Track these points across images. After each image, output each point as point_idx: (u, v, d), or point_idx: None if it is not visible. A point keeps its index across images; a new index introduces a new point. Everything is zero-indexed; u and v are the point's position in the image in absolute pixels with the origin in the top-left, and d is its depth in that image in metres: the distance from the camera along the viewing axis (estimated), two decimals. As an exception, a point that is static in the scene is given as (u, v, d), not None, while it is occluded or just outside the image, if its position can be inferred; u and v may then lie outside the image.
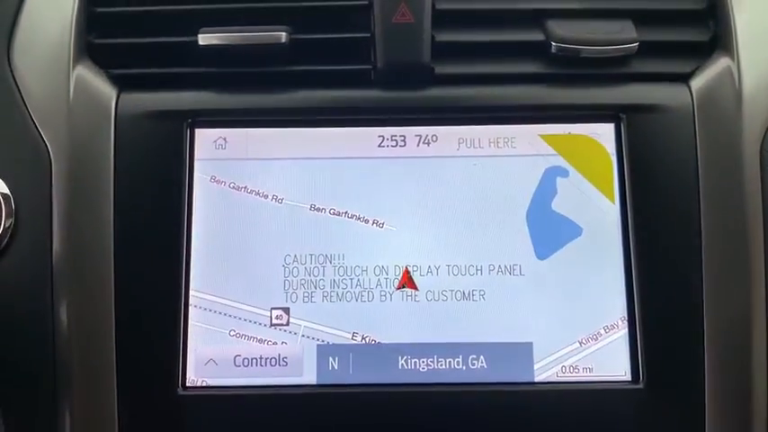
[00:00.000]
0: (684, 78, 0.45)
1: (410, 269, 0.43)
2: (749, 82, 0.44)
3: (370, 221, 0.44)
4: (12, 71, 0.45)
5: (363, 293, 0.43)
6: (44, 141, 0.43)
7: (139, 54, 0.45)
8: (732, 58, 0.45)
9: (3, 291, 0.42)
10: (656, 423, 0.41)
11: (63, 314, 0.42)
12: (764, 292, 0.41)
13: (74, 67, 0.45)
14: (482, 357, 0.42)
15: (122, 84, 0.45)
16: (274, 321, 0.43)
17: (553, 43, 0.44)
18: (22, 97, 0.44)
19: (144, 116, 0.44)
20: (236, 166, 0.44)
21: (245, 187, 0.44)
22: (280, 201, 0.44)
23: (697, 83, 0.45)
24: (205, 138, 0.44)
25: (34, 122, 0.44)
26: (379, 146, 0.44)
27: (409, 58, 0.44)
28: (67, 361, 0.41)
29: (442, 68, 0.45)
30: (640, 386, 0.41)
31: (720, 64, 0.45)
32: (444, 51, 0.45)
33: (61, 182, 0.43)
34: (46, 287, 0.42)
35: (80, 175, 0.43)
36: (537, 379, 0.42)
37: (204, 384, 0.42)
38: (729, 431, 0.41)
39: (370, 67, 0.45)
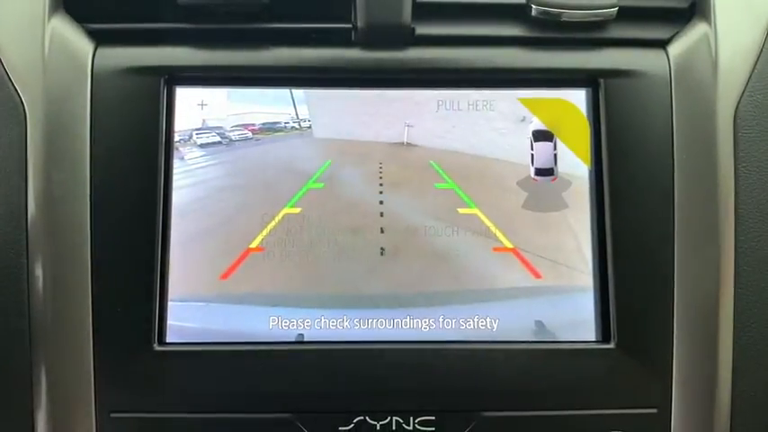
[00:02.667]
0: (662, 44, 0.45)
1: (385, 228, 0.43)
2: (725, 49, 0.44)
3: None
4: None
5: (339, 252, 0.43)
6: (19, 96, 0.43)
7: (117, 8, 0.45)
8: (709, 25, 0.45)
9: (-23, 246, 0.42)
10: (624, 382, 0.42)
11: (38, 270, 0.41)
12: (733, 255, 0.42)
13: (49, 20, 0.44)
14: (455, 316, 0.43)
15: (99, 38, 0.44)
16: (253, 278, 0.43)
17: (534, 6, 0.44)
18: None
19: (121, 71, 0.43)
20: (215, 124, 0.44)
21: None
22: (260, 160, 0.44)
23: (674, 49, 0.45)
24: (183, 96, 0.44)
25: (9, 77, 0.43)
26: None
27: (390, 17, 0.44)
28: (43, 317, 0.41)
29: (423, 29, 0.45)
30: (610, 346, 0.42)
31: (698, 30, 0.45)
32: (425, 12, 0.45)
33: (36, 138, 0.42)
34: (20, 243, 0.41)
35: (56, 132, 0.42)
36: (509, 338, 0.43)
37: (181, 341, 0.42)
38: (695, 391, 0.42)
39: (350, 26, 0.45)
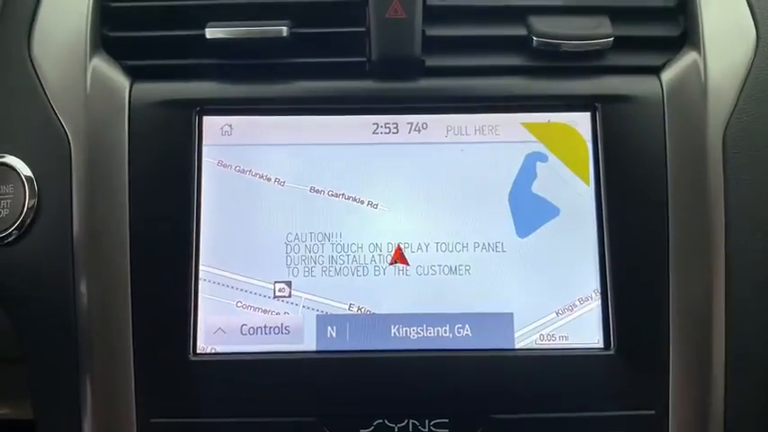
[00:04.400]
0: (655, 71, 0.48)
1: (402, 246, 0.47)
2: (714, 75, 0.47)
3: (365, 202, 0.47)
4: (32, 63, 0.48)
5: (359, 268, 0.46)
6: (64, 128, 0.46)
7: (151, 46, 0.48)
8: (699, 53, 0.48)
9: (27, 266, 0.46)
10: (625, 386, 0.45)
11: (83, 288, 0.45)
12: (724, 266, 0.45)
13: (90, 58, 0.47)
14: (467, 326, 0.46)
15: (135, 74, 0.48)
16: (277, 294, 0.46)
17: (535, 38, 0.48)
18: (42, 87, 0.47)
19: (155, 105, 0.47)
20: (242, 151, 0.47)
21: (250, 171, 0.47)
22: (282, 183, 0.47)
23: (667, 75, 0.48)
24: (212, 125, 0.47)
25: (54, 111, 0.47)
26: (374, 133, 0.48)
27: (402, 51, 0.47)
28: (88, 331, 0.45)
29: (433, 61, 0.48)
30: (611, 352, 0.45)
31: (688, 58, 0.48)
32: (434, 45, 0.48)
33: (80, 166, 0.46)
34: (67, 263, 0.45)
35: (97, 160, 0.46)
36: (517, 346, 0.45)
37: (213, 351, 0.46)
38: (691, 393, 0.45)
39: (365, 59, 0.48)
